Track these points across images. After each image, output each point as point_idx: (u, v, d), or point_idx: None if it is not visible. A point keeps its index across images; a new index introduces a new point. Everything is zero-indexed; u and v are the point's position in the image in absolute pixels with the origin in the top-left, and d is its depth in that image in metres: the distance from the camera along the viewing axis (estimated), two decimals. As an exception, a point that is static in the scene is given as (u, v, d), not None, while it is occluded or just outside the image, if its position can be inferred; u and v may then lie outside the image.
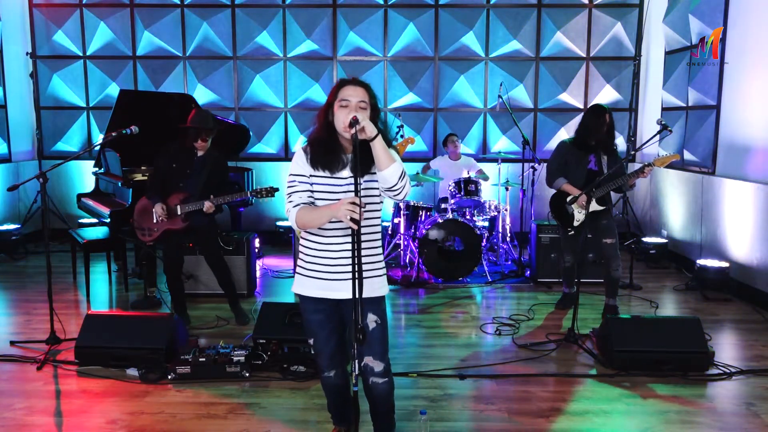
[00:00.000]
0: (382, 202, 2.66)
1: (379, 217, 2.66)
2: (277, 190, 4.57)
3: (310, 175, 2.55)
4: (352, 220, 2.29)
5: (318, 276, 2.59)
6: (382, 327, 2.61)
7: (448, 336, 4.61)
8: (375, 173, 2.48)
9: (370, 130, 2.33)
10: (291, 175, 2.58)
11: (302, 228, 2.57)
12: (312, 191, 2.56)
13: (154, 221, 4.69)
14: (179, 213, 4.62)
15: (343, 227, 2.53)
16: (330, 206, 2.44)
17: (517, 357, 4.15)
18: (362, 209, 2.34)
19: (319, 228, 2.55)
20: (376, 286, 2.60)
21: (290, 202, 2.55)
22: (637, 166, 4.70)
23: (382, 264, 2.67)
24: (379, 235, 2.66)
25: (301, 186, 2.55)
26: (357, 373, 2.33)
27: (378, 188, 2.53)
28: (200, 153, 4.69)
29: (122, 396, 3.56)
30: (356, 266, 2.31)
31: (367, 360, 2.59)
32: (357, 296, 2.30)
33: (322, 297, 2.59)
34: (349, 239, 2.51)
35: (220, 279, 4.91)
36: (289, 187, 2.58)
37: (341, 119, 2.43)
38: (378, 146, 2.36)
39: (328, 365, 2.71)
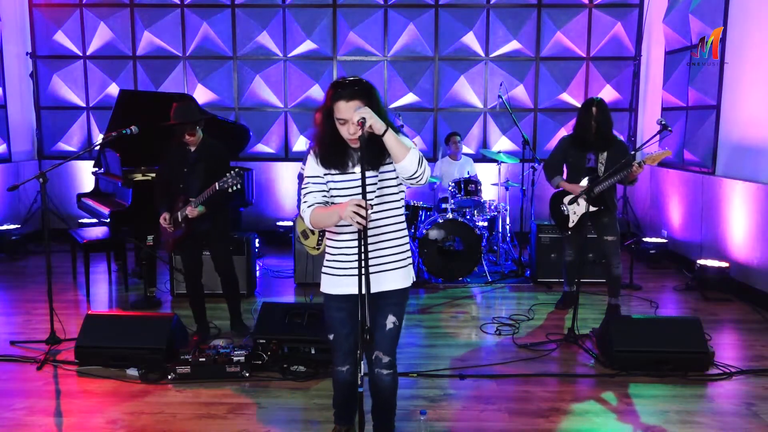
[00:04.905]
0: (402, 191, 2.65)
1: (401, 207, 2.67)
2: (248, 169, 4.07)
3: (325, 174, 2.57)
4: (358, 222, 2.28)
5: (338, 273, 2.64)
6: (398, 327, 2.69)
7: (448, 336, 4.60)
8: (389, 163, 2.50)
9: (378, 126, 2.32)
10: (306, 177, 2.62)
11: (316, 227, 2.60)
12: (328, 190, 2.58)
13: (168, 231, 4.33)
14: (179, 219, 4.24)
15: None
16: (338, 206, 2.45)
17: (517, 357, 4.15)
18: (371, 208, 2.38)
19: (337, 226, 2.58)
20: (400, 278, 2.63)
21: (305, 202, 2.60)
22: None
23: (407, 255, 2.68)
24: (402, 225, 2.66)
25: (314, 186, 2.59)
26: (362, 374, 2.36)
27: (395, 178, 2.55)
28: (192, 148, 4.25)
29: (122, 396, 3.56)
30: (363, 266, 2.30)
31: (377, 353, 2.67)
32: (365, 296, 2.31)
33: (344, 294, 2.63)
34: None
35: (224, 289, 4.55)
36: (303, 188, 2.63)
37: (345, 134, 2.44)
38: (390, 139, 2.35)
39: (343, 361, 2.75)
